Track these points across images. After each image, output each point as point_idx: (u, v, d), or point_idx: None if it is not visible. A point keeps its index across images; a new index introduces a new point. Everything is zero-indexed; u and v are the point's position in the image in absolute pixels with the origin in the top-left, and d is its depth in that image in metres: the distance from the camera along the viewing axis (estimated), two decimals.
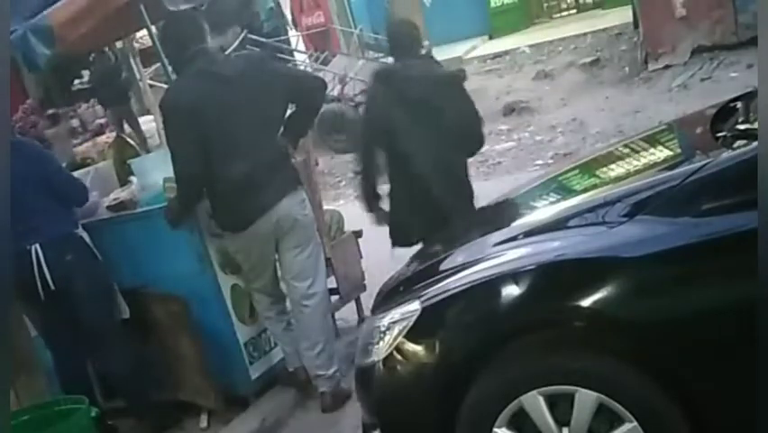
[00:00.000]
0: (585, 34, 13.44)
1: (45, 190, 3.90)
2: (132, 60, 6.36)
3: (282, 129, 3.95)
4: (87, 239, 4.04)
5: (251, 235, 3.85)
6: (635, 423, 2.35)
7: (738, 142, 2.53)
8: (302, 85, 4.02)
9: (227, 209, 3.85)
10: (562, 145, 8.50)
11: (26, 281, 3.83)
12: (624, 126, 8.26)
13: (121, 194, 4.38)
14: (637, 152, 3.24)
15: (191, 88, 3.77)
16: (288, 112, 4.00)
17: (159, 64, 6.83)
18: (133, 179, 4.50)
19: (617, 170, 3.16)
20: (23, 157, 3.86)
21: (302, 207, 3.94)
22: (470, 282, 2.60)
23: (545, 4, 16.89)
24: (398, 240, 4.11)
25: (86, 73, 11.18)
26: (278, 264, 4.06)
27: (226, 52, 7.68)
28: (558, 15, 16.65)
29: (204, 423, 4.17)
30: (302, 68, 10.65)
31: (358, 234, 5.04)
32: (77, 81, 11.13)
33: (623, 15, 12.43)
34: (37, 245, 3.84)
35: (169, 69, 5.28)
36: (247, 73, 3.81)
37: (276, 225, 3.85)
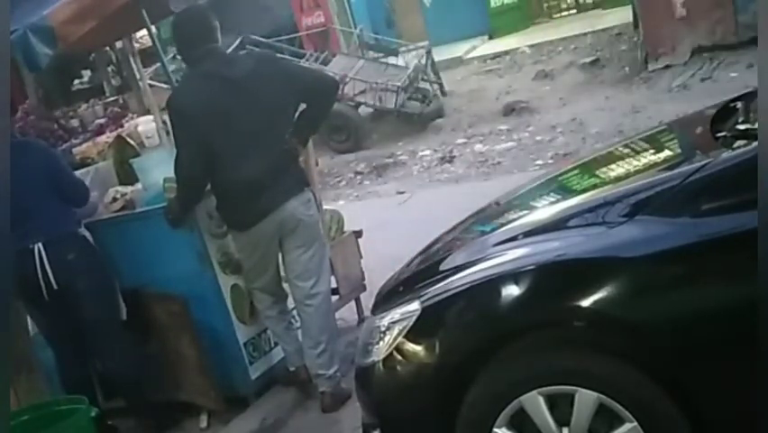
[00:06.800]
0: (585, 34, 13.43)
1: (49, 189, 3.91)
2: (131, 60, 6.33)
3: (292, 128, 3.94)
4: (90, 238, 4.04)
5: (256, 234, 3.86)
6: (635, 423, 2.35)
7: (738, 142, 2.53)
8: (313, 84, 4.00)
9: (234, 208, 3.86)
10: (562, 145, 8.50)
11: (29, 280, 3.83)
12: (624, 126, 8.26)
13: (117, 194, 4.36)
14: (637, 152, 3.24)
15: (198, 90, 3.79)
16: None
17: (159, 64, 6.82)
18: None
19: (617, 170, 3.16)
20: (29, 156, 3.87)
21: (307, 207, 3.94)
22: (470, 282, 2.60)
23: (545, 4, 16.87)
24: None
25: (86, 73, 11.16)
26: (281, 264, 4.07)
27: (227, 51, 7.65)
28: (558, 15, 16.64)
29: (204, 423, 4.18)
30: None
31: (358, 234, 5.04)
32: (76, 81, 11.11)
33: (623, 15, 12.42)
34: (40, 244, 3.84)
35: (169, 69, 5.33)
36: (256, 74, 3.80)
37: (280, 225, 3.86)
